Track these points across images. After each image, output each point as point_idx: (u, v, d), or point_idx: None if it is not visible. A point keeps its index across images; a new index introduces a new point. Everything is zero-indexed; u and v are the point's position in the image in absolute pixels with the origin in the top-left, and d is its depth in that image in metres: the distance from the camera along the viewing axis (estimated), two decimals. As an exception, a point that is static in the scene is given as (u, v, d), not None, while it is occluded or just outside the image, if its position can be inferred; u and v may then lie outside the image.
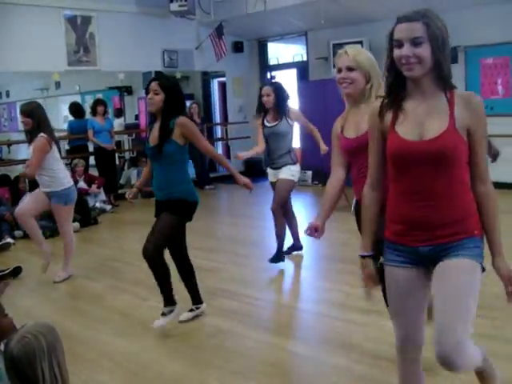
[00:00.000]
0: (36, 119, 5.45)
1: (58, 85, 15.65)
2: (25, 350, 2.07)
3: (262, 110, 5.93)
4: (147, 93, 4.12)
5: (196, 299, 4.53)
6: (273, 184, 6.00)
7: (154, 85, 4.09)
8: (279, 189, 5.82)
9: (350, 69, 3.09)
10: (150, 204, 10.97)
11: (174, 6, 10.49)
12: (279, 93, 5.84)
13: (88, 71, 10.76)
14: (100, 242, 7.54)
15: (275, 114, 5.84)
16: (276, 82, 6.28)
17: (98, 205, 9.30)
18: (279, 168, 5.86)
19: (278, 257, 5.81)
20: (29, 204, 5.78)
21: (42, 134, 5.43)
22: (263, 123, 5.91)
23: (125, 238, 7.79)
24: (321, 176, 11.02)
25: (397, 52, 2.23)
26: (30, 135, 5.56)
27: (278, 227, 5.88)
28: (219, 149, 13.67)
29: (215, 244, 6.91)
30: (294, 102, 11.88)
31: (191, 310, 4.49)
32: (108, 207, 9.50)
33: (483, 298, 4.51)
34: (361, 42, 10.54)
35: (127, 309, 4.88)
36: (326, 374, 3.48)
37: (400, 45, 2.22)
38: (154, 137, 4.18)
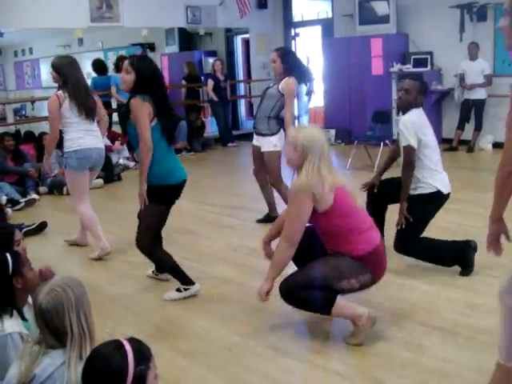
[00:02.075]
0: (62, 75, 5.10)
1: (80, 41, 15.67)
2: (54, 302, 2.14)
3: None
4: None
5: (185, 280, 4.25)
6: (254, 147, 5.99)
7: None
8: (269, 164, 5.80)
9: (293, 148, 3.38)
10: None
11: (198, -39, 10.35)
12: (286, 58, 5.66)
13: (111, 28, 10.71)
14: (124, 198, 7.60)
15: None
16: (283, 48, 6.13)
17: (121, 161, 9.38)
18: (259, 135, 5.84)
19: (267, 220, 5.92)
20: None
21: (57, 92, 5.14)
22: None
23: (148, 195, 7.83)
24: (344, 134, 10.95)
25: None
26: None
27: (266, 195, 6.04)
28: (242, 106, 13.63)
29: (238, 201, 6.94)
30: (317, 60, 11.79)
31: (178, 290, 4.23)
32: (131, 164, 9.56)
33: (505, 258, 4.48)
34: (387, -1, 10.36)
35: (152, 264, 4.93)
36: (345, 330, 3.52)
37: None
38: None
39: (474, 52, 9.42)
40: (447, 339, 3.39)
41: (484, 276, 4.23)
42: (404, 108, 4.49)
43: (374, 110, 9.48)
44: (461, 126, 9.82)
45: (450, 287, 4.11)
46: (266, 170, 5.91)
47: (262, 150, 5.80)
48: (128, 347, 1.89)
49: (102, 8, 9.98)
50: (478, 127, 9.49)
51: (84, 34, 11.54)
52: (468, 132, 9.69)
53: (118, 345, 1.91)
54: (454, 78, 9.67)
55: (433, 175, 4.35)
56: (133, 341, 1.94)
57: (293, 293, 3.39)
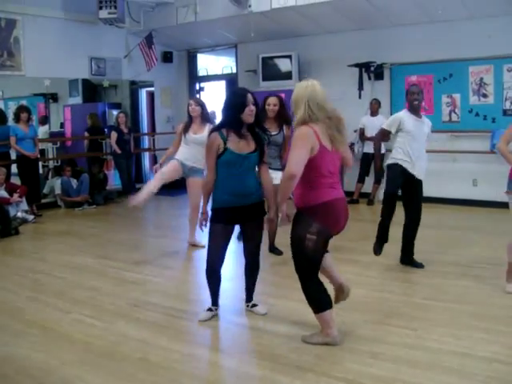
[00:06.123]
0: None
1: (-21, 90, 15.15)
2: None
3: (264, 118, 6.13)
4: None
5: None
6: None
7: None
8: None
9: None
10: (73, 214, 10.73)
11: (103, 14, 10.32)
12: (284, 104, 6.16)
13: (12, 76, 10.44)
14: (21, 252, 7.29)
15: (275, 123, 6.20)
16: (279, 96, 6.55)
17: (19, 214, 9.00)
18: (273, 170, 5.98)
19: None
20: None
21: None
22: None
23: (47, 249, 7.53)
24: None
25: None
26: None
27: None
28: (146, 159, 13.54)
29: (141, 256, 6.81)
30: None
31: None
32: (30, 217, 9.21)
33: (405, 307, 4.63)
34: (289, 56, 10.71)
35: (48, 322, 4.72)
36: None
37: None
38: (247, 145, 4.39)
39: (375, 108, 9.88)
40: None
41: (385, 325, 4.32)
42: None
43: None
44: (361, 180, 10.18)
45: (352, 338, 4.16)
46: None
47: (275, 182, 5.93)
48: None
49: (2, 56, 9.76)
50: (377, 180, 9.86)
51: (-17, 82, 11.20)
52: (368, 185, 10.05)
53: None
54: (354, 133, 10.05)
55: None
56: None
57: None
